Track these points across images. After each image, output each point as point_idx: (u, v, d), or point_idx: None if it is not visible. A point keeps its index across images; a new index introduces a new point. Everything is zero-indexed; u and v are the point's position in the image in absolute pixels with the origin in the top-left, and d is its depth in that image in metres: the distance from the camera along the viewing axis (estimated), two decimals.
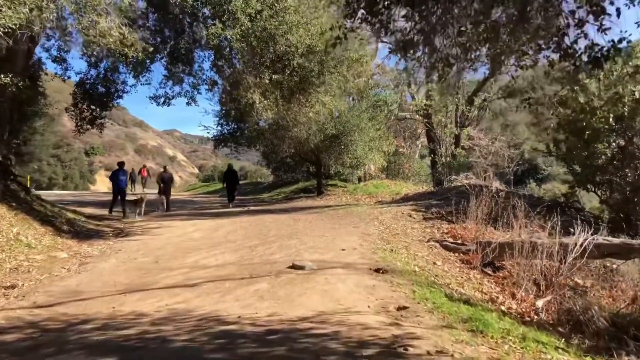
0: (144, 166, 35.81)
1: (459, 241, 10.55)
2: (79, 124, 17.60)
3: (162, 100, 17.93)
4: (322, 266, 6.89)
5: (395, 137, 22.52)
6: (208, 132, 22.71)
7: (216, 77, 13.95)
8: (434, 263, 8.71)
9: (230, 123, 23.00)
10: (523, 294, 8.01)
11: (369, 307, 5.04)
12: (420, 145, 26.95)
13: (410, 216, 12.68)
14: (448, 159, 16.26)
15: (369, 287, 5.69)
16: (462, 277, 8.36)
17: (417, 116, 18.15)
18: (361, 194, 20.73)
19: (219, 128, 23.21)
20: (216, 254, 8.52)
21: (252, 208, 18.61)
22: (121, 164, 16.99)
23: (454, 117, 16.80)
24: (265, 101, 13.65)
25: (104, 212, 18.12)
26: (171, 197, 24.80)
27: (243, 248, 9.04)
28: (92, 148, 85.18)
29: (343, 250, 8.24)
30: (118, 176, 16.23)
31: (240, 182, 37.86)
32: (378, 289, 5.63)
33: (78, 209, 17.94)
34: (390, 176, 25.86)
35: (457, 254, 9.83)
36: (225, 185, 20.52)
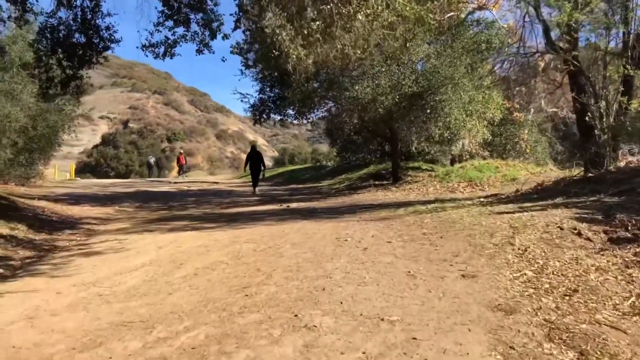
0: (181, 153, 30.94)
1: None
2: (44, 86, 12.32)
3: (161, 49, 12.28)
4: None
5: (507, 95, 15.42)
6: (243, 101, 16.85)
7: None
8: None
9: (273, 88, 17.03)
10: None
11: None
12: (533, 109, 19.37)
13: (579, 234, 5.98)
14: (612, 119, 9.34)
15: None
16: None
17: (552, 52, 11.05)
18: (457, 181, 13.98)
19: (260, 96, 17.31)
20: None
21: (292, 205, 12.57)
22: None
23: (621, 46, 9.70)
24: (293, 31, 7.50)
25: (97, 210, 13.19)
26: (196, 189, 19.77)
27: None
28: (173, 134, 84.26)
29: None
30: None
31: (303, 167, 32.13)
32: None
33: (66, 207, 13.16)
34: (496, 154, 18.75)
35: None
36: (247, 168, 15.84)
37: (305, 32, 7.11)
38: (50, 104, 18.62)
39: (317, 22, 6.70)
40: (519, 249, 5.51)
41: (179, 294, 4.78)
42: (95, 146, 76.98)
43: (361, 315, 3.67)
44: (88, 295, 4.94)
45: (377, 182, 16.46)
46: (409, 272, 4.84)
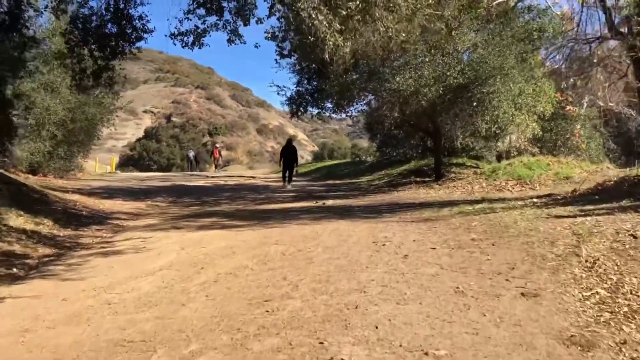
0: (216, 147, 31.04)
1: None
2: (77, 77, 12.15)
3: (190, 38, 11.87)
4: None
5: (559, 88, 14.32)
6: (280, 93, 16.32)
7: None
8: None
9: (310, 80, 16.42)
10: None
11: None
12: (586, 103, 18.02)
13: None
14: None
15: None
16: None
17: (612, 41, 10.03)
18: (505, 179, 13.03)
19: (297, 88, 16.73)
20: None
21: (328, 202, 11.95)
22: None
23: None
24: (330, 14, 6.88)
25: (129, 204, 12.90)
26: (232, 183, 19.48)
27: None
28: (215, 128, 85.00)
29: None
30: None
31: (342, 162, 31.44)
32: None
33: (98, 201, 12.97)
34: (546, 150, 17.57)
35: None
36: (281, 162, 15.77)
37: (344, 12, 6.44)
38: (89, 97, 18.59)
39: (356, 1, 6.03)
40: (586, 261, 4.71)
41: (193, 305, 4.23)
42: (138, 140, 78.36)
43: (400, 346, 3.00)
44: (95, 304, 4.46)
45: (418, 179, 15.65)
46: (458, 287, 4.13)
